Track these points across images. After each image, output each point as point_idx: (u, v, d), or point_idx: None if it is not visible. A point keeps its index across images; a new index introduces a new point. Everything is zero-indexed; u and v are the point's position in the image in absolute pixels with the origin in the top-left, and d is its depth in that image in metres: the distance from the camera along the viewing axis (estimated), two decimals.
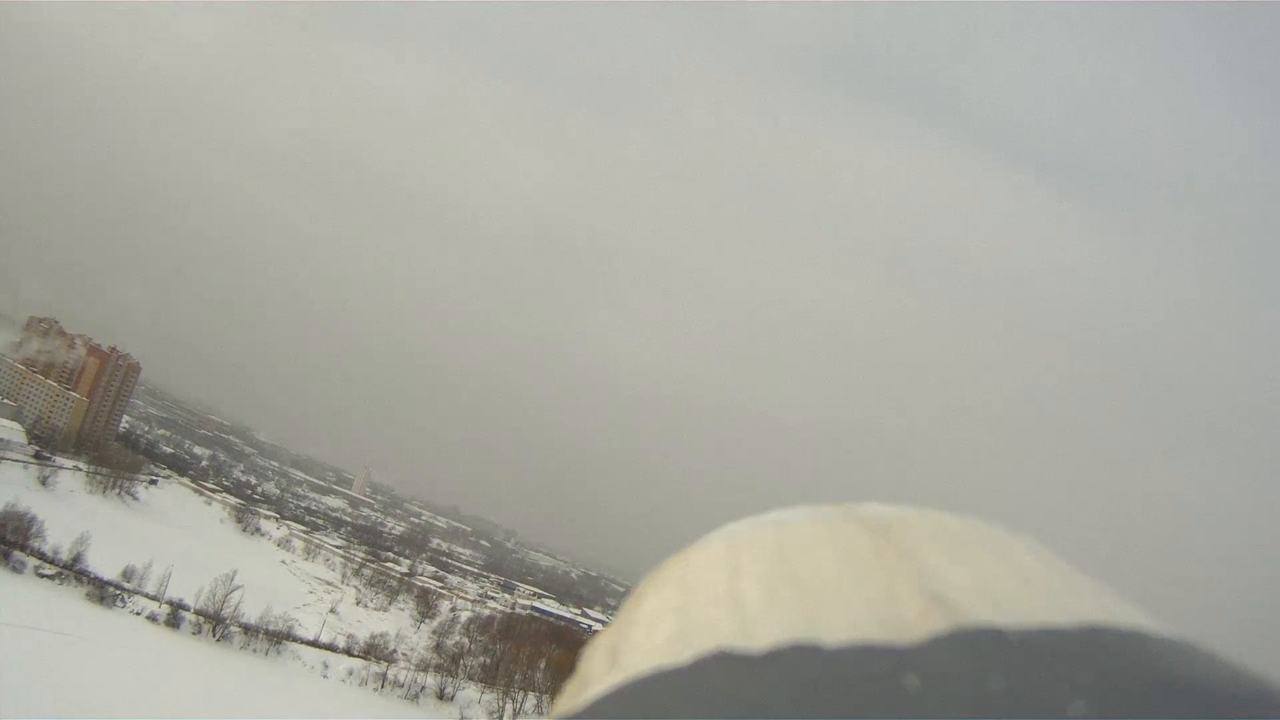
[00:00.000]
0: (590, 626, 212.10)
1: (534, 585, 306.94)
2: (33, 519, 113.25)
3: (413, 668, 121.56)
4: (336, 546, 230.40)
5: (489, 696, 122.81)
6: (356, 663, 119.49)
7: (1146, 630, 0.53)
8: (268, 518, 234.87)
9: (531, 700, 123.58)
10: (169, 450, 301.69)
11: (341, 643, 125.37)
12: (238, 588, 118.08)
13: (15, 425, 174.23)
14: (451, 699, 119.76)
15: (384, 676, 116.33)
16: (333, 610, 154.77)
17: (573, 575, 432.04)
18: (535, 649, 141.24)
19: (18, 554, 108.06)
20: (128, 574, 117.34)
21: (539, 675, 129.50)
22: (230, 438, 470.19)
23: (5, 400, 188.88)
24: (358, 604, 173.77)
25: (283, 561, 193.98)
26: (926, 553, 0.59)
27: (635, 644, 0.58)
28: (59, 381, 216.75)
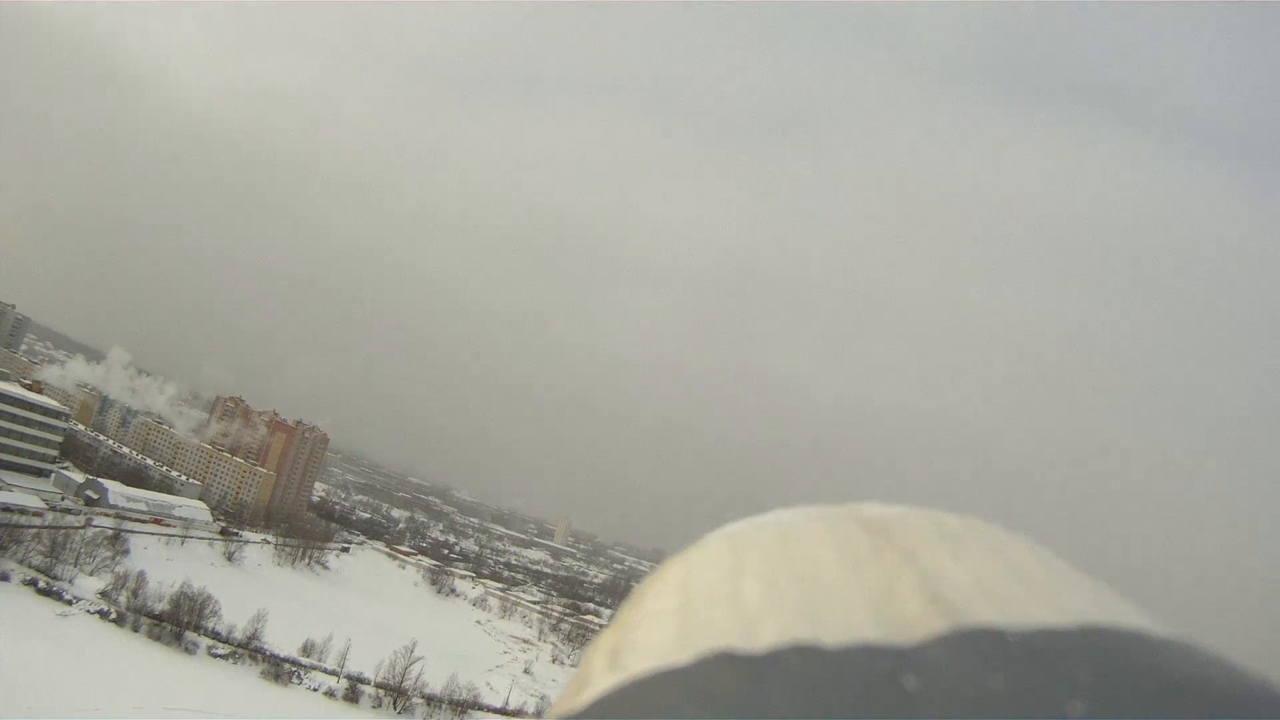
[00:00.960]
0: None
1: None
2: (207, 598, 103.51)
3: None
4: (534, 602, 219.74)
5: None
6: None
7: (1146, 630, 0.52)
8: (463, 577, 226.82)
9: None
10: (365, 515, 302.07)
11: (532, 705, 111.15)
12: (419, 658, 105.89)
13: (200, 504, 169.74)
14: None
15: None
16: (526, 670, 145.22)
17: None
18: None
19: (190, 635, 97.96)
20: (307, 648, 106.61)
21: None
22: (430, 498, 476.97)
23: (192, 480, 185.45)
24: (554, 661, 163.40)
25: (478, 621, 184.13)
26: (927, 553, 0.58)
27: (636, 644, 0.57)
28: (246, 458, 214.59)
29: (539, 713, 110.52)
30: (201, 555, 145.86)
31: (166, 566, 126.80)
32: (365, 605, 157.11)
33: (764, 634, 0.52)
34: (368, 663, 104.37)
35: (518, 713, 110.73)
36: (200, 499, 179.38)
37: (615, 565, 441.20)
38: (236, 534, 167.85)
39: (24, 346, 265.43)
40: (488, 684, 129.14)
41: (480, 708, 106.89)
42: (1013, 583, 0.55)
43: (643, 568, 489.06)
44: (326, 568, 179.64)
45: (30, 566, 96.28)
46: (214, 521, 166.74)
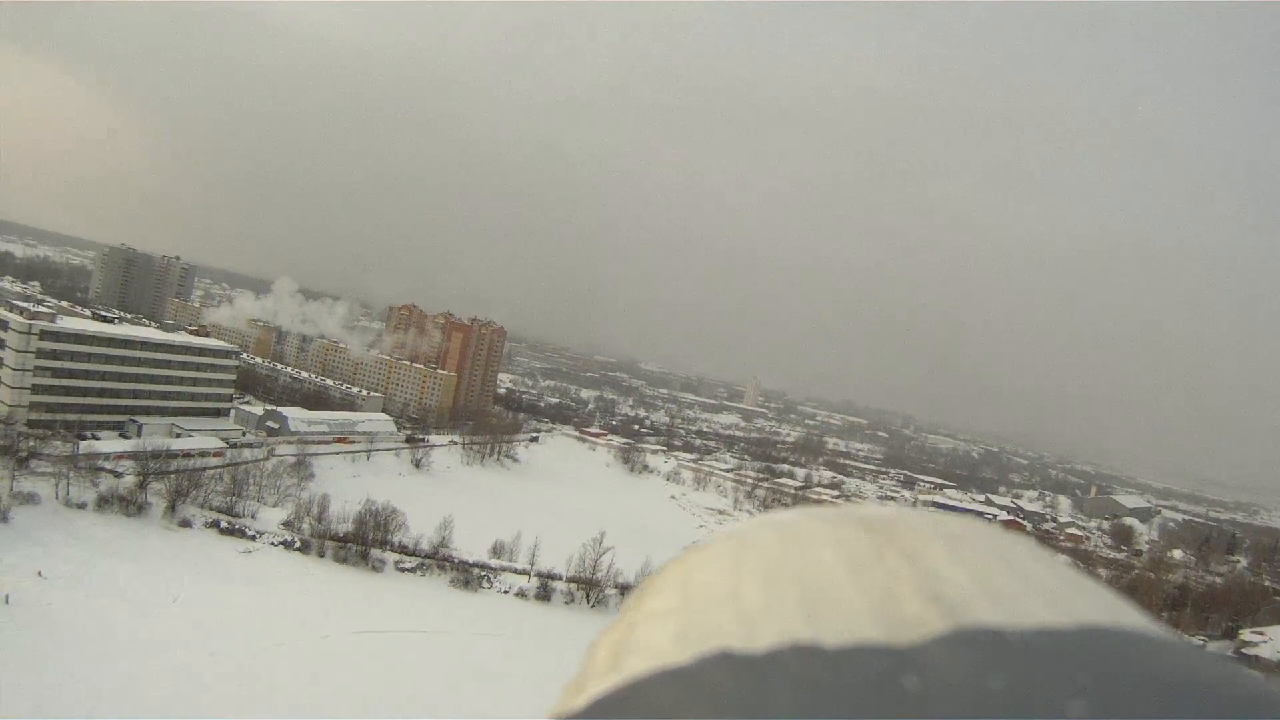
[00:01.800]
0: (994, 516, 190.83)
1: (935, 474, 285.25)
2: (392, 512, 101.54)
3: None
4: (727, 470, 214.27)
5: None
6: None
7: (1146, 630, 0.54)
8: (655, 452, 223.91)
9: None
10: (553, 400, 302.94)
11: None
12: (609, 548, 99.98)
13: (384, 416, 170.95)
14: None
15: None
16: None
17: (974, 454, 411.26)
18: None
19: (376, 552, 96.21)
20: (497, 549, 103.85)
21: None
22: (617, 374, 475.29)
23: (374, 394, 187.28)
24: None
25: (672, 497, 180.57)
26: (927, 553, 0.59)
27: (636, 644, 0.58)
28: (426, 363, 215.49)
29: None
30: (389, 467, 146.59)
31: (353, 484, 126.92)
32: (557, 494, 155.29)
33: (764, 634, 0.53)
34: (559, 557, 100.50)
35: None
36: (383, 411, 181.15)
37: (807, 421, 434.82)
38: (423, 439, 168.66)
39: (200, 292, 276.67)
40: None
41: None
42: (1013, 583, 0.56)
43: (835, 421, 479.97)
44: (516, 460, 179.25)
45: (212, 509, 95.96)
46: (399, 431, 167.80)
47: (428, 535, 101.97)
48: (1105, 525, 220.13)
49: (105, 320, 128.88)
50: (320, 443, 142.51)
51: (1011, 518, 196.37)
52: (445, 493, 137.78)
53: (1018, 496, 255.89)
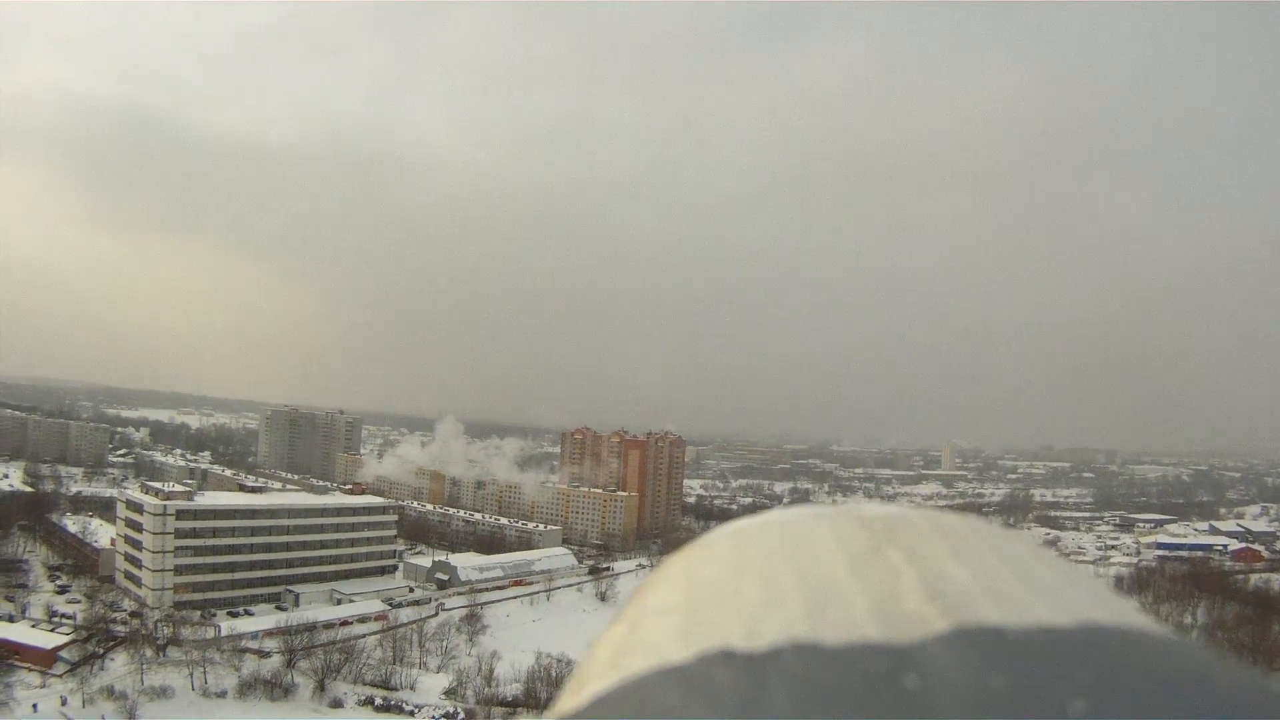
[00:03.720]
0: (1225, 547, 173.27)
1: (1148, 509, 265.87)
2: (568, 664, 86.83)
3: None
4: None
5: None
6: None
7: (1146, 630, 0.53)
8: None
9: None
10: (746, 501, 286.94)
11: None
12: None
13: (562, 550, 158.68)
14: None
15: None
16: None
17: (1184, 478, 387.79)
18: (1180, 605, 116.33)
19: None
20: None
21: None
22: (810, 461, 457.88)
23: (551, 527, 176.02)
24: None
25: None
26: (928, 552, 0.59)
27: (637, 643, 0.57)
28: (605, 486, 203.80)
29: None
30: (570, 604, 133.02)
31: (531, 630, 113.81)
32: None
33: (765, 633, 0.52)
34: None
35: None
36: (564, 543, 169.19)
37: (1009, 476, 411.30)
38: (606, 568, 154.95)
39: (368, 446, 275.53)
40: None
41: None
42: (1014, 581, 0.55)
43: (1037, 470, 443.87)
44: None
45: (365, 683, 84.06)
46: (581, 564, 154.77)
47: None
48: None
49: (253, 490, 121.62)
50: (495, 588, 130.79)
51: (1245, 546, 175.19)
52: None
53: (1239, 516, 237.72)
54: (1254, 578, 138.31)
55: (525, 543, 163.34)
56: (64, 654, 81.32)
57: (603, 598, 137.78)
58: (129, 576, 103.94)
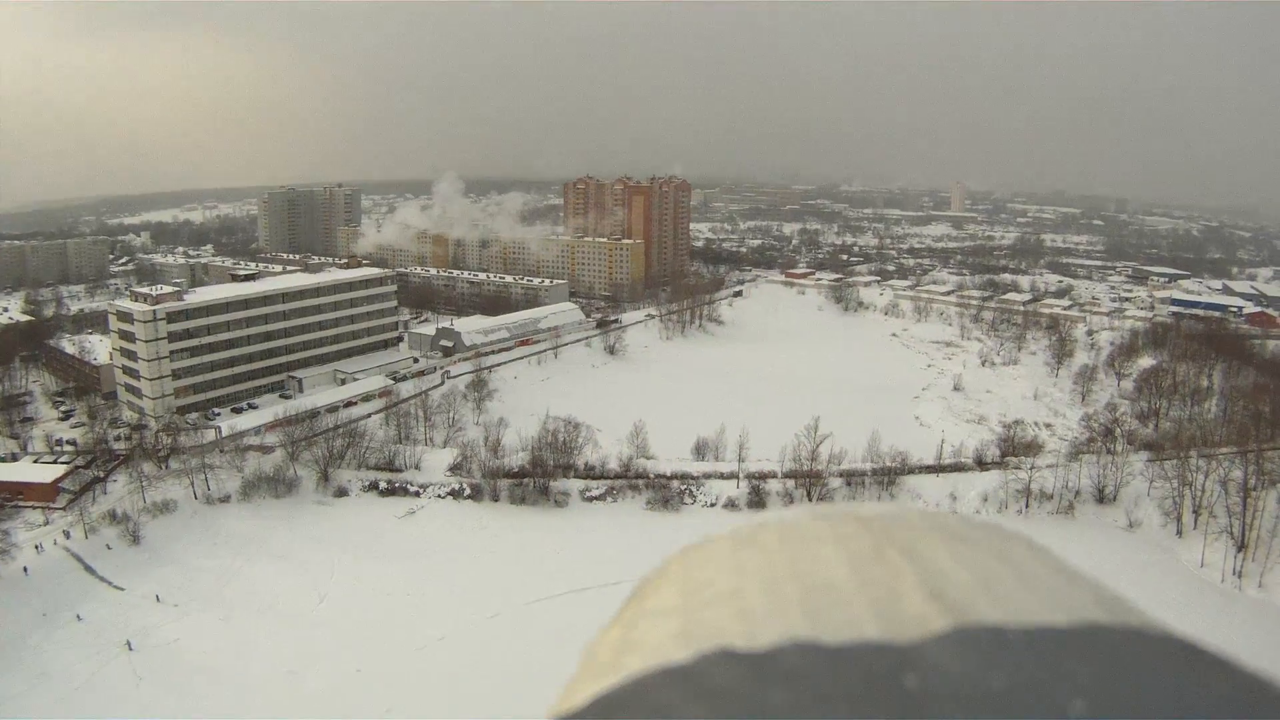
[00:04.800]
0: (1240, 309, 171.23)
1: (1160, 261, 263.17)
2: (575, 428, 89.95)
3: (1062, 460, 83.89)
4: (947, 293, 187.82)
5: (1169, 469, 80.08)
6: (991, 478, 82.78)
7: (1147, 628, 0.54)
8: (867, 284, 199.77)
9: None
10: (756, 243, 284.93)
11: (970, 438, 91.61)
12: (827, 435, 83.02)
13: (568, 305, 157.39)
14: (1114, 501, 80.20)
15: (1027, 491, 79.71)
16: (956, 388, 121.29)
17: (1194, 232, 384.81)
18: (1197, 367, 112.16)
19: (558, 483, 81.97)
20: (700, 448, 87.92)
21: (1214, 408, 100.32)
22: (819, 201, 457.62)
23: (558, 281, 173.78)
24: (983, 364, 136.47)
25: (893, 334, 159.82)
26: (928, 551, 0.60)
27: (637, 642, 0.59)
28: (611, 235, 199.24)
29: (978, 461, 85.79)
30: (580, 360, 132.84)
31: (541, 391, 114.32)
32: (766, 356, 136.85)
33: (765, 632, 0.53)
34: (773, 445, 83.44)
35: (956, 466, 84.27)
36: (570, 297, 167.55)
37: (1019, 220, 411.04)
38: (615, 320, 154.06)
39: (373, 215, 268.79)
40: (916, 419, 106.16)
41: (909, 471, 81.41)
42: (1014, 581, 0.57)
43: (1047, 215, 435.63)
44: (720, 322, 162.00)
45: (370, 467, 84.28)
46: (589, 318, 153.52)
47: (618, 448, 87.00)
48: None
49: (246, 278, 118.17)
50: (501, 350, 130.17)
51: (1260, 310, 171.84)
52: (642, 380, 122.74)
53: (1252, 278, 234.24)
54: (1270, 344, 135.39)
55: (532, 300, 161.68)
56: (65, 484, 79.83)
57: (611, 351, 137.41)
58: (129, 389, 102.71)
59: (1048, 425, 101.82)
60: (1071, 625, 0.52)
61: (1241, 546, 69.30)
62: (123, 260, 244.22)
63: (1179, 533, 74.13)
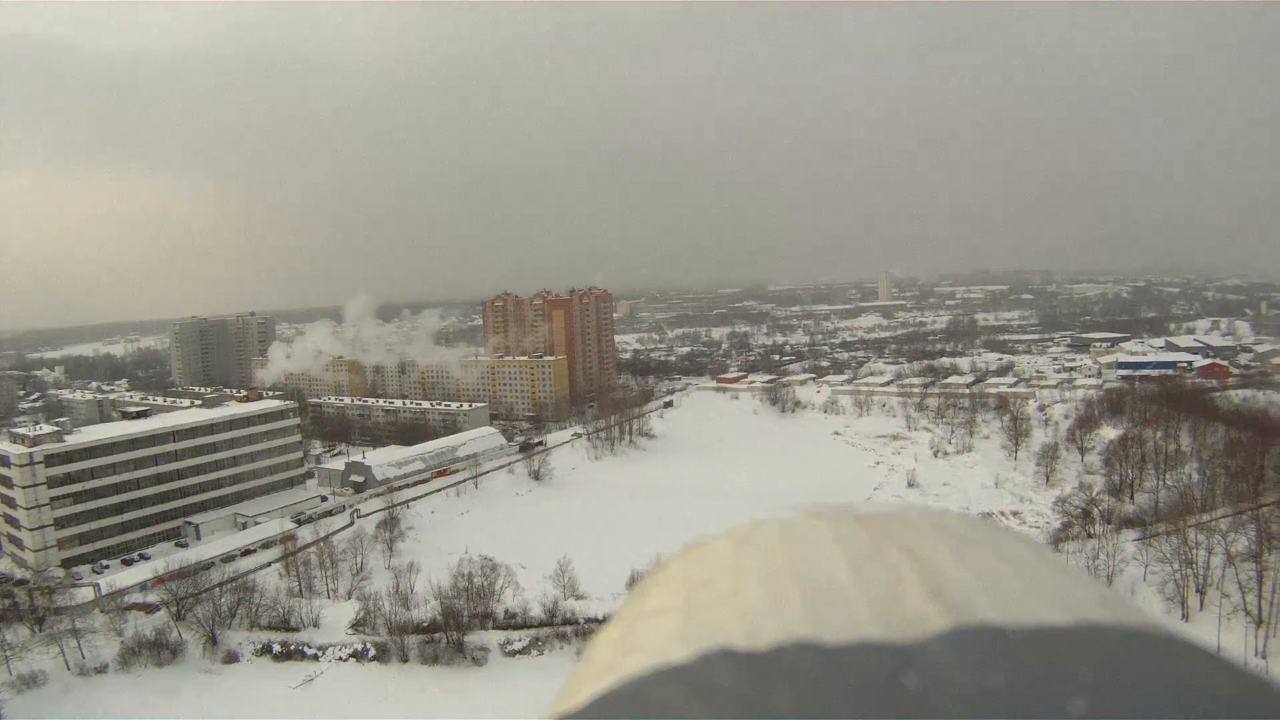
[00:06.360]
0: (1190, 364, 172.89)
1: (1096, 329, 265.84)
2: (493, 568, 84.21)
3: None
4: (886, 384, 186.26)
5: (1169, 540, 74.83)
6: None
7: (1148, 628, 0.54)
8: (803, 382, 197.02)
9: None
10: (685, 350, 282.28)
11: None
12: None
13: (488, 430, 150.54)
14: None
15: None
16: (911, 484, 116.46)
17: (1124, 295, 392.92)
18: (1163, 430, 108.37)
19: (473, 637, 74.85)
20: (635, 582, 79.13)
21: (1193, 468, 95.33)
22: (746, 303, 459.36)
23: (476, 405, 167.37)
24: (936, 455, 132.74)
25: (836, 433, 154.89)
26: (928, 551, 0.60)
27: (637, 642, 0.59)
28: (534, 353, 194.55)
29: None
30: (502, 488, 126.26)
31: (461, 525, 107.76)
32: (703, 469, 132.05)
33: (766, 632, 0.53)
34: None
35: None
36: (491, 421, 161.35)
37: (948, 303, 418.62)
38: (539, 443, 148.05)
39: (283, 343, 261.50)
40: None
41: None
42: (1014, 580, 0.57)
43: (975, 295, 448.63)
44: (652, 436, 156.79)
45: (262, 627, 76.09)
46: (510, 444, 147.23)
47: (542, 590, 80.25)
48: None
49: (136, 416, 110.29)
50: (417, 483, 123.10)
51: (1211, 361, 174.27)
52: (570, 506, 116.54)
53: (1190, 331, 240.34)
54: (1231, 395, 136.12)
55: (450, 426, 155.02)
56: None
57: (536, 476, 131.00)
58: (11, 540, 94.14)
59: (1015, 514, 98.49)
60: (1071, 625, 0.52)
61: (1259, 622, 64.84)
62: (33, 396, 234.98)
63: (1185, 617, 68.96)
